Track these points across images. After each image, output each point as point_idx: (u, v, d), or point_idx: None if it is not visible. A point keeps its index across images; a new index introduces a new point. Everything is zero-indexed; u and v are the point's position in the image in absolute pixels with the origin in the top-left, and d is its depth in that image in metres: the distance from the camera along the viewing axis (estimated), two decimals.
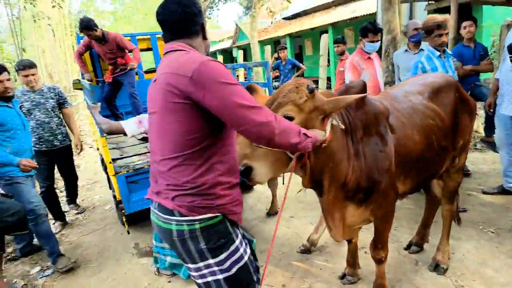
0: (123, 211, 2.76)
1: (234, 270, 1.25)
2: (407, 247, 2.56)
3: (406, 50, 3.87)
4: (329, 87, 8.68)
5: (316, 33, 12.74)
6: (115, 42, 4.17)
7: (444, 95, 2.10)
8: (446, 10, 4.42)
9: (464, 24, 3.71)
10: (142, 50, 4.89)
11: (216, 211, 1.21)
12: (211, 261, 1.22)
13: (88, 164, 6.58)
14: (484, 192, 3.33)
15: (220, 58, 10.97)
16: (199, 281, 1.28)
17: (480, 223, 2.82)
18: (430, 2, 4.56)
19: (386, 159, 1.71)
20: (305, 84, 1.46)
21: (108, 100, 4.54)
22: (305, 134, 1.23)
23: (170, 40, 1.29)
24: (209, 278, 1.25)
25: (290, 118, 1.40)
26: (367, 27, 3.29)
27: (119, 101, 4.62)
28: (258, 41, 13.68)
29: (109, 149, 3.00)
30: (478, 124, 5.32)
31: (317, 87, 4.95)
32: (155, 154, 1.26)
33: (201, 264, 1.23)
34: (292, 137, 1.17)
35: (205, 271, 1.24)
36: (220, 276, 1.24)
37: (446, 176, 2.28)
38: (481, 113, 5.35)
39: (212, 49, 21.36)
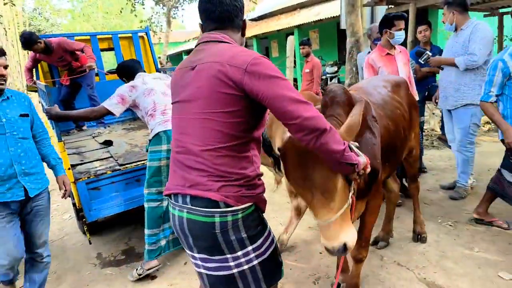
0: (84, 219, 2.61)
1: (268, 252, 1.30)
2: (374, 243, 2.63)
3: (369, 52, 4.01)
4: (295, 87, 8.84)
5: (282, 35, 12.89)
6: (61, 48, 3.96)
7: (402, 90, 2.33)
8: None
9: (420, 28, 3.89)
10: (103, 50, 4.68)
11: (253, 200, 1.25)
12: (249, 248, 1.25)
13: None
14: (442, 187, 3.52)
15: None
16: (235, 270, 1.25)
17: (439, 217, 2.97)
18: (390, 6, 4.75)
19: (378, 150, 1.78)
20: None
21: (66, 102, 4.30)
22: (350, 148, 1.20)
23: (212, 30, 1.31)
24: (245, 266, 1.26)
25: None
26: (392, 15, 2.98)
27: (78, 104, 4.38)
28: None
29: (68, 154, 2.84)
30: (435, 123, 5.63)
31: None
32: (192, 145, 1.21)
33: (240, 253, 1.24)
34: (338, 142, 1.13)
35: (242, 260, 1.25)
36: (255, 262, 1.26)
37: (407, 164, 2.57)
38: (437, 112, 5.66)
39: (177, 49, 20.98)
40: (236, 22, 1.33)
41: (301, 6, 12.40)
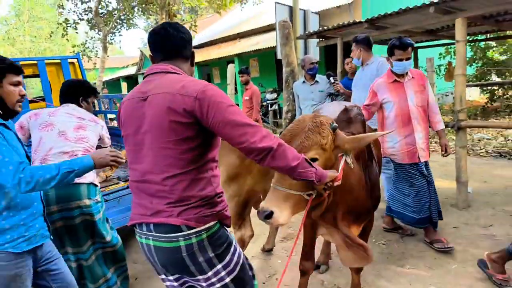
0: None
1: (237, 269, 1.33)
2: (316, 268, 2.66)
3: (303, 82, 4.24)
4: None
5: (223, 62, 13.14)
6: None
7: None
8: (334, 46, 5.00)
9: (346, 60, 4.25)
10: (27, 76, 4.32)
11: (216, 217, 1.27)
12: (219, 266, 1.27)
13: None
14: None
15: (124, 85, 10.35)
16: None
17: (373, 236, 3.12)
18: (320, 40, 5.11)
19: (378, 176, 1.87)
20: (327, 123, 1.46)
21: None
22: (309, 163, 1.27)
23: (161, 61, 1.36)
24: (218, 285, 1.29)
25: (314, 160, 1.41)
26: (392, 44, 2.79)
27: None
28: None
29: None
30: None
31: None
32: (150, 174, 1.25)
33: (210, 273, 1.27)
34: (292, 159, 1.21)
35: (214, 279, 1.28)
36: (227, 279, 1.29)
37: None
38: None
39: (115, 75, 20.21)
40: (184, 53, 1.38)
41: (240, 36, 12.83)
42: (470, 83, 8.49)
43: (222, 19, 15.83)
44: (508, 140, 6.31)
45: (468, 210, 3.57)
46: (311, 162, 1.29)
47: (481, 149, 6.07)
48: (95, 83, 11.65)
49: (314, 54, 6.02)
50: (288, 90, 4.58)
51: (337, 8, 9.38)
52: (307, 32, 5.73)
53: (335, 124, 1.46)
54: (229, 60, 11.45)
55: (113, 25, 12.62)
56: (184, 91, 1.19)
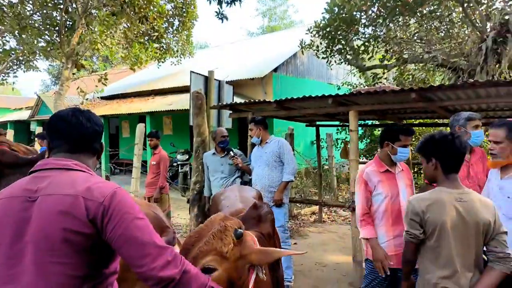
0: None
1: None
2: None
3: (214, 153, 4.21)
4: (144, 172, 8.42)
5: (134, 117, 12.61)
6: None
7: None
8: (246, 119, 5.19)
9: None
10: None
11: None
12: None
13: None
14: None
15: (10, 132, 8.95)
16: None
17: None
18: (232, 112, 5.28)
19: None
20: (232, 227, 1.29)
21: None
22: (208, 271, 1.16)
23: (62, 152, 1.14)
24: None
25: (212, 270, 1.20)
26: (397, 129, 2.57)
27: None
28: None
29: None
30: None
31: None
32: None
33: None
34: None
35: None
36: None
37: None
38: None
39: (4, 118, 17.63)
40: (94, 147, 1.22)
41: (155, 92, 12.67)
42: (362, 158, 9.62)
43: (138, 73, 15.56)
44: None
45: None
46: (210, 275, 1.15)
47: None
48: None
49: (227, 123, 6.16)
50: (198, 160, 4.48)
51: (250, 80, 10.07)
52: (220, 103, 5.89)
53: (240, 230, 1.31)
54: (141, 115, 11.04)
55: (8, 65, 11.27)
56: (90, 194, 1.02)
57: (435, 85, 3.94)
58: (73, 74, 9.93)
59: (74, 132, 1.15)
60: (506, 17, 5.45)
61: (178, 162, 9.37)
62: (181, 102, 9.77)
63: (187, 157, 9.58)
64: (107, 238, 1.01)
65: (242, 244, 1.30)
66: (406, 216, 1.85)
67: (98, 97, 13.39)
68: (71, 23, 8.62)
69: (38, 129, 9.61)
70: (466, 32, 7.38)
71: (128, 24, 10.58)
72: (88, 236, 1.01)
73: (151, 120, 10.47)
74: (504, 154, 2.13)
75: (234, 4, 6.15)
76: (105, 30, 9.57)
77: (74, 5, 8.57)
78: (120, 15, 8.28)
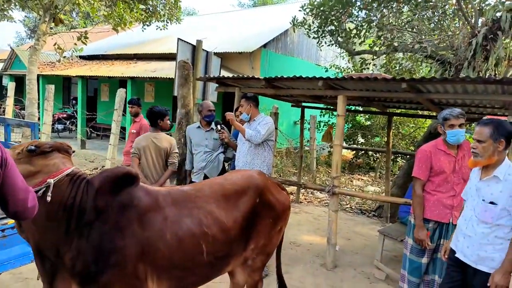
0: None
1: None
2: None
3: (198, 127, 4.10)
4: (122, 138, 8.18)
5: (115, 80, 12.11)
6: None
7: (243, 200, 2.17)
8: (232, 94, 5.07)
9: (236, 113, 4.29)
10: None
11: None
12: None
13: None
14: None
15: None
16: None
17: None
18: (219, 86, 5.13)
19: (114, 253, 1.66)
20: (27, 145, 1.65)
21: None
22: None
23: None
24: None
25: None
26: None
27: None
28: (40, 75, 11.61)
29: None
30: None
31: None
32: None
33: None
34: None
35: None
36: None
37: (245, 273, 2.34)
38: None
39: None
40: None
41: (138, 57, 12.16)
42: (344, 144, 9.75)
43: (121, 35, 14.82)
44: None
45: (334, 271, 3.85)
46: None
47: (347, 204, 6.87)
48: None
49: (212, 96, 6.01)
50: (180, 132, 4.36)
51: (239, 53, 9.81)
52: (207, 75, 5.70)
53: (31, 147, 1.63)
54: (122, 79, 10.61)
55: None
56: None
57: (422, 76, 3.94)
58: (51, 28, 9.30)
59: None
60: (499, 14, 5.46)
61: None
62: (166, 69, 9.43)
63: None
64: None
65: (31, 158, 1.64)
66: None
67: (76, 56, 12.69)
68: None
69: (11, 85, 9.04)
70: (457, 25, 7.40)
71: None
72: None
73: (133, 85, 10.08)
74: (486, 154, 2.12)
75: None
76: None
77: None
78: None
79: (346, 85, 4.01)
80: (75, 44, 8.76)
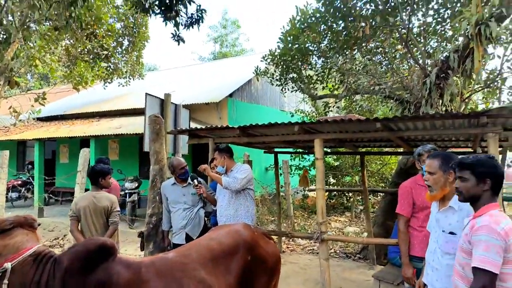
0: None
1: None
2: None
3: (174, 183, 3.87)
4: None
5: (75, 140, 11.57)
6: None
7: (233, 260, 2.03)
8: (206, 145, 4.94)
9: (211, 165, 4.17)
10: None
11: None
12: None
13: None
14: None
15: None
16: None
17: None
18: (192, 138, 5.00)
19: None
20: None
21: None
22: None
23: None
24: None
25: None
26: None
27: None
28: None
29: None
30: None
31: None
32: None
33: None
34: None
35: None
36: None
37: None
38: None
39: None
40: None
41: (100, 115, 11.84)
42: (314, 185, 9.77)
43: (80, 94, 14.51)
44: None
45: None
46: None
47: (331, 249, 6.67)
48: None
49: (183, 148, 5.83)
50: (155, 190, 4.08)
51: (205, 104, 9.87)
52: (178, 128, 5.57)
53: None
54: (83, 138, 10.13)
55: None
56: None
57: (395, 115, 4.10)
58: (5, 91, 8.88)
59: None
60: (445, 54, 5.99)
61: (126, 191, 8.64)
62: (131, 125, 9.18)
63: (136, 185, 8.89)
64: None
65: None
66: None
67: (33, 118, 12.09)
68: (6, 36, 7.75)
69: None
70: (405, 68, 8.03)
71: (72, 41, 9.87)
72: None
73: (96, 144, 9.64)
74: (438, 185, 2.20)
75: (192, 27, 6.02)
76: (45, 46, 8.80)
77: (10, 17, 7.78)
78: (64, 30, 7.62)
79: (321, 129, 4.04)
80: (32, 106, 8.37)
